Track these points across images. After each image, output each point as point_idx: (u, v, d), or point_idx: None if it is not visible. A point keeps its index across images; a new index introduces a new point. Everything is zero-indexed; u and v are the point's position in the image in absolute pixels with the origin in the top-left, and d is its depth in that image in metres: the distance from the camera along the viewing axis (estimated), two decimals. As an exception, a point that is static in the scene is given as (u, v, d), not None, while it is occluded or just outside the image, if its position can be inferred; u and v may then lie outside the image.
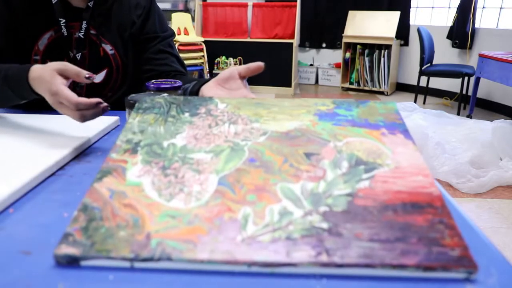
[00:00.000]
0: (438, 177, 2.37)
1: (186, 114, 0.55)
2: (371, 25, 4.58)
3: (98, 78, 0.96)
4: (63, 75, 0.65)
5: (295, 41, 4.54)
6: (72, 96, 0.62)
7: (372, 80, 4.67)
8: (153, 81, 0.73)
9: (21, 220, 0.44)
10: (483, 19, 4.22)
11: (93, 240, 0.37)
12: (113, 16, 0.95)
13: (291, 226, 0.38)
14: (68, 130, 0.71)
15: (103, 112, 0.65)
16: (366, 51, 4.62)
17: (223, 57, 4.68)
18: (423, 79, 4.05)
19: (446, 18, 4.58)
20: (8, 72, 0.72)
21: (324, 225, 0.38)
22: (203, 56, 4.51)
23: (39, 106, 0.96)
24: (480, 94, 3.79)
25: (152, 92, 0.70)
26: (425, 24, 4.56)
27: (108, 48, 0.95)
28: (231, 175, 0.44)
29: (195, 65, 4.47)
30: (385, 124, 0.52)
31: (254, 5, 4.71)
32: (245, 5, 4.75)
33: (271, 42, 4.62)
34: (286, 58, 4.56)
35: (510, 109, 3.83)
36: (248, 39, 4.72)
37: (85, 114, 0.64)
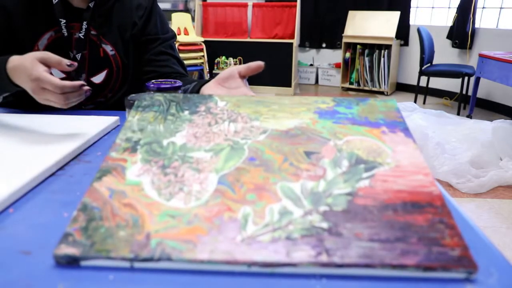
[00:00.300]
0: (438, 177, 2.36)
1: (186, 112, 0.55)
2: (371, 25, 4.58)
3: (98, 78, 0.96)
4: (44, 63, 0.65)
5: (295, 41, 4.54)
6: (56, 79, 0.64)
7: (372, 80, 4.67)
8: (153, 81, 0.73)
9: (21, 220, 0.44)
10: (483, 19, 4.21)
11: (93, 240, 0.37)
12: (114, 16, 0.95)
13: (291, 225, 0.38)
14: (68, 130, 0.71)
15: (85, 95, 0.68)
16: (366, 51, 4.62)
17: (223, 57, 4.68)
18: (423, 79, 4.05)
19: (446, 18, 4.58)
20: None
21: (324, 225, 0.38)
22: (203, 56, 4.51)
23: (39, 106, 0.96)
24: (480, 94, 3.79)
25: (152, 92, 0.70)
26: (425, 24, 4.56)
27: (108, 48, 0.95)
28: (231, 174, 0.44)
29: (195, 65, 4.47)
30: (386, 122, 0.52)
31: (254, 5, 4.71)
32: (245, 5, 4.75)
33: (271, 42, 4.62)
34: (286, 58, 4.56)
35: (510, 109, 3.83)
36: (248, 39, 4.72)
37: (69, 97, 0.65)
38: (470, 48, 4.20)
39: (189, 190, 0.43)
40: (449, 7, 4.59)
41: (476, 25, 4.16)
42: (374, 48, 4.59)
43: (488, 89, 3.98)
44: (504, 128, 2.58)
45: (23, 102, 0.97)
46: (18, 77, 0.67)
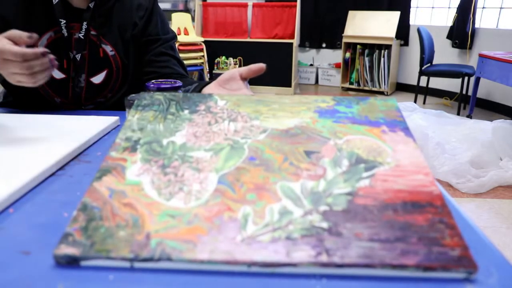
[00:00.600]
0: (438, 177, 2.36)
1: (186, 111, 0.55)
2: (371, 25, 4.57)
3: (98, 79, 0.96)
4: (10, 40, 0.68)
5: (295, 41, 4.54)
6: (17, 47, 0.66)
7: (372, 80, 4.67)
8: (153, 81, 0.73)
9: (21, 220, 0.44)
10: (483, 19, 4.21)
11: (93, 240, 0.37)
12: (114, 16, 0.95)
13: (291, 225, 0.38)
14: (68, 130, 0.71)
15: (52, 66, 0.70)
16: (366, 51, 4.62)
17: (223, 57, 4.68)
18: (423, 79, 4.05)
19: (446, 18, 4.58)
20: None
21: (324, 225, 0.38)
22: (203, 56, 4.51)
23: (39, 106, 0.96)
24: (480, 94, 3.79)
25: (152, 92, 0.70)
26: (425, 24, 4.56)
27: (108, 49, 0.95)
28: (231, 173, 0.44)
29: (195, 65, 4.47)
30: (386, 122, 0.52)
31: (254, 5, 4.71)
32: (245, 5, 4.75)
33: (271, 42, 4.62)
34: (286, 58, 4.56)
35: (510, 109, 3.83)
36: (248, 39, 4.72)
37: (32, 65, 0.67)
38: (470, 48, 4.20)
39: (189, 189, 0.43)
40: (449, 7, 4.59)
41: (476, 25, 4.16)
42: (374, 48, 4.59)
43: (488, 89, 3.98)
44: (504, 128, 2.58)
45: (23, 102, 0.97)
46: None
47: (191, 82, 0.86)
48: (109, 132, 0.76)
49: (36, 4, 0.89)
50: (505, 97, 3.88)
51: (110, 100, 1.01)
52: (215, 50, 4.66)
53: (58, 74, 0.92)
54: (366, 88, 4.71)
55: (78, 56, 0.92)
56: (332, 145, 0.48)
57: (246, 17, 4.78)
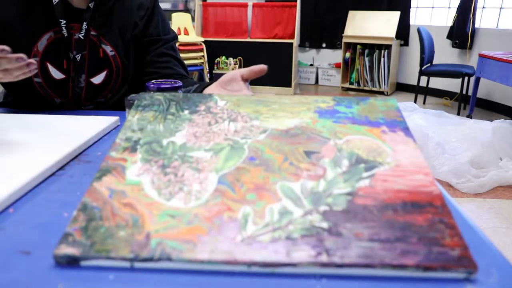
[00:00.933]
0: (438, 177, 2.36)
1: (186, 112, 0.55)
2: (371, 25, 4.58)
3: (98, 79, 0.96)
4: None
5: (295, 41, 4.54)
6: None
7: (372, 80, 4.67)
8: (153, 81, 0.73)
9: (21, 220, 0.44)
10: (483, 19, 4.21)
11: (93, 240, 0.37)
12: (114, 17, 0.95)
13: (291, 225, 0.38)
14: (68, 130, 0.71)
15: (29, 70, 0.69)
16: (366, 51, 4.62)
17: (223, 57, 4.68)
18: (423, 79, 4.05)
19: (446, 18, 4.58)
20: None
21: (324, 225, 0.38)
22: (203, 56, 4.51)
23: (39, 106, 0.96)
24: (480, 94, 3.79)
25: (152, 92, 0.70)
26: (425, 24, 4.56)
27: (108, 49, 0.95)
28: (231, 173, 0.44)
29: (195, 65, 4.47)
30: (386, 122, 0.52)
31: (254, 5, 4.71)
32: (245, 5, 4.75)
33: (271, 42, 4.62)
34: (286, 58, 4.56)
35: (510, 109, 3.83)
36: (248, 39, 4.72)
37: (11, 73, 0.68)
38: (470, 48, 4.20)
39: (189, 190, 0.43)
40: (449, 7, 4.59)
41: (476, 25, 4.16)
42: (374, 48, 4.59)
43: (488, 89, 3.98)
44: (504, 128, 2.58)
45: (23, 102, 0.97)
46: None
47: (192, 83, 0.86)
48: (109, 132, 0.76)
49: (36, 4, 0.89)
50: (505, 97, 3.88)
51: (110, 100, 1.01)
52: (215, 50, 4.66)
53: (58, 75, 0.92)
54: (366, 88, 4.71)
55: (78, 57, 0.92)
56: (332, 145, 0.48)
57: (246, 17, 4.78)
